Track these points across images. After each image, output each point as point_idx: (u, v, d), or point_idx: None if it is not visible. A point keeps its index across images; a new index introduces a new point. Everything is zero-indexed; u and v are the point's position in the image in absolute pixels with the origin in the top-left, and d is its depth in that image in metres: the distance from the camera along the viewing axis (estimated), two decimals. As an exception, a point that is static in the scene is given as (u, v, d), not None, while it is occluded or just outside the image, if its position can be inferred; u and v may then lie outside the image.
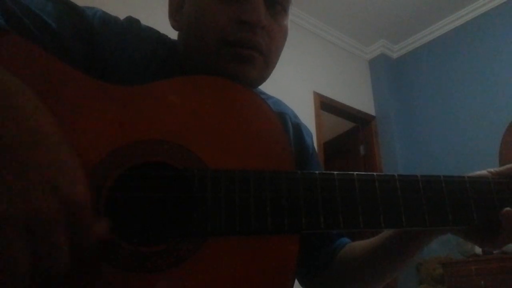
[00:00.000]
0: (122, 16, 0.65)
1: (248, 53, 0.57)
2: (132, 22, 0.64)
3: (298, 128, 0.75)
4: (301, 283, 0.72)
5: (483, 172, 0.56)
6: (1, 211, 0.31)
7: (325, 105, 3.91)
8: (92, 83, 0.50)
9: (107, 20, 0.60)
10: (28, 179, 0.33)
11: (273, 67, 0.64)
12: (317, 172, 0.50)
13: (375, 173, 0.51)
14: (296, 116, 0.77)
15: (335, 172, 0.50)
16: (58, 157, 0.35)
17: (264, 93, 0.74)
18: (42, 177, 0.33)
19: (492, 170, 0.56)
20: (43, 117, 0.37)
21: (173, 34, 0.68)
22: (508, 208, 0.52)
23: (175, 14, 0.65)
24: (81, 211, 0.35)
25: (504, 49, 3.60)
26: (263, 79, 0.63)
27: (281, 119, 0.69)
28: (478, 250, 3.00)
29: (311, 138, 0.78)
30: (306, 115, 3.47)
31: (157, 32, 0.67)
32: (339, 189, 0.49)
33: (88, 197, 0.36)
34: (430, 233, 0.58)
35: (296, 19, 3.89)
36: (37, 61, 0.49)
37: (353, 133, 4.46)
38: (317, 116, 3.75)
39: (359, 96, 4.30)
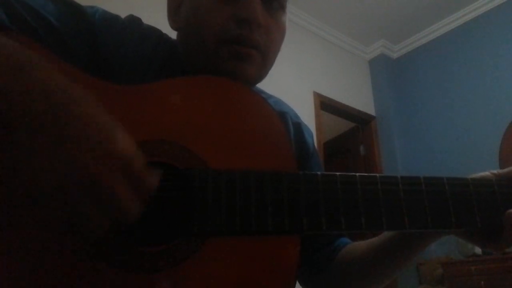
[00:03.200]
0: (123, 15, 0.65)
1: (246, 51, 0.57)
2: (133, 21, 0.64)
3: (299, 127, 0.75)
4: (301, 283, 0.71)
5: (486, 173, 0.56)
6: (60, 182, 0.34)
7: (325, 105, 3.91)
8: (93, 82, 0.50)
9: (108, 19, 0.60)
10: (73, 147, 0.35)
11: (271, 64, 0.64)
12: (319, 173, 0.49)
13: (377, 175, 0.50)
14: (296, 116, 0.77)
15: (337, 174, 0.49)
16: (94, 120, 0.37)
17: (264, 93, 0.74)
18: (84, 143, 0.35)
19: (495, 171, 0.56)
20: (70, 87, 0.38)
21: (174, 34, 0.68)
22: (511, 210, 0.52)
23: (174, 14, 0.65)
24: (131, 162, 0.37)
25: (504, 49, 3.60)
26: (261, 76, 0.63)
27: (282, 119, 0.69)
28: (478, 250, 3.00)
29: (312, 137, 0.78)
30: (306, 115, 3.47)
31: (159, 31, 0.67)
32: (341, 190, 0.48)
33: (133, 147, 0.38)
34: (431, 235, 0.58)
35: (296, 19, 3.89)
36: None
37: (353, 133, 4.45)
38: (317, 116, 3.75)
39: (359, 96, 4.30)
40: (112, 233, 0.39)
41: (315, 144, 0.80)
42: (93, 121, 0.37)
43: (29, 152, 0.34)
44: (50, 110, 0.35)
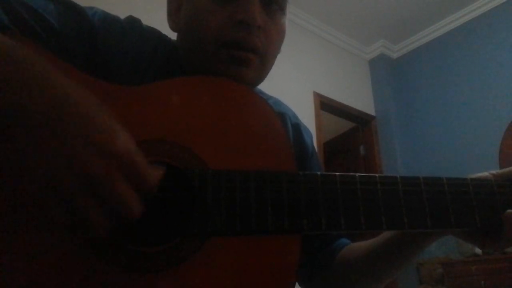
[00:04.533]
0: (122, 16, 0.65)
1: (244, 56, 0.57)
2: (133, 22, 0.64)
3: (298, 128, 0.75)
4: (300, 283, 0.71)
5: (485, 174, 0.56)
6: (57, 178, 0.34)
7: (325, 105, 3.91)
8: (93, 82, 0.50)
9: (108, 19, 0.60)
10: (72, 144, 0.35)
11: (271, 66, 0.64)
12: (318, 173, 0.49)
13: (377, 175, 0.50)
14: (296, 117, 0.77)
15: (337, 174, 0.49)
16: (92, 117, 0.37)
17: (264, 93, 0.74)
18: (84, 141, 0.35)
19: (494, 172, 0.56)
20: (69, 85, 0.38)
21: (173, 35, 0.68)
22: (510, 211, 0.52)
23: (173, 16, 0.65)
24: (130, 159, 0.37)
25: (504, 49, 3.60)
26: (260, 79, 0.63)
27: (281, 120, 0.69)
28: (478, 250, 3.00)
29: (311, 138, 0.78)
30: (306, 115, 3.47)
31: (158, 32, 0.67)
32: (341, 190, 0.48)
33: (132, 145, 0.38)
34: (431, 235, 0.58)
35: (296, 19, 3.89)
36: None
37: (353, 133, 4.45)
38: (317, 116, 3.75)
39: (359, 96, 4.30)
40: (113, 232, 0.39)
41: (315, 144, 0.80)
42: (93, 119, 0.37)
43: (26, 149, 0.34)
44: (50, 107, 0.35)
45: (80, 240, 0.42)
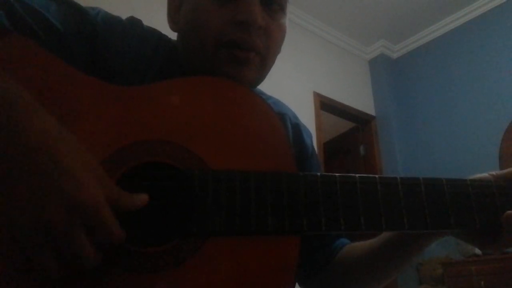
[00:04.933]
0: (123, 16, 0.65)
1: (245, 55, 0.57)
2: (134, 23, 0.64)
3: (298, 128, 0.75)
4: (299, 283, 0.71)
5: (485, 175, 0.56)
6: (18, 223, 0.33)
7: (325, 105, 3.91)
8: (94, 83, 0.50)
9: (109, 20, 0.60)
10: (33, 188, 0.34)
11: (271, 66, 0.64)
12: (318, 173, 0.50)
13: (377, 176, 0.50)
14: (295, 117, 0.77)
15: (337, 174, 0.49)
16: (61, 163, 0.36)
17: (263, 94, 0.74)
18: (47, 185, 0.35)
19: (493, 173, 0.56)
20: (42, 121, 0.37)
21: (174, 35, 0.68)
22: (509, 212, 0.52)
23: (174, 16, 0.65)
24: (94, 213, 0.36)
25: (504, 49, 3.60)
26: (260, 79, 0.63)
27: (281, 120, 0.69)
28: (478, 250, 3.00)
29: (311, 138, 0.78)
30: (306, 115, 3.47)
31: (159, 33, 0.67)
32: (341, 191, 0.49)
33: (99, 197, 0.37)
34: (430, 236, 0.58)
35: (296, 19, 3.89)
36: (39, 62, 0.49)
37: (353, 133, 4.45)
38: (317, 116, 3.75)
39: (359, 96, 4.30)
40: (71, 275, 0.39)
41: (315, 144, 0.80)
42: (64, 169, 0.36)
43: None
44: (21, 155, 0.35)
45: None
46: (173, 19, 0.65)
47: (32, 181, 0.35)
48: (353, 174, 0.50)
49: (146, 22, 0.66)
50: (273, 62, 0.64)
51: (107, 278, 0.42)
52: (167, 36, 0.68)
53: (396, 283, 3.50)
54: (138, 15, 0.66)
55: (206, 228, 0.45)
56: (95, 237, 0.37)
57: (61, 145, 0.37)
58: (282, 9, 0.62)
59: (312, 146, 0.77)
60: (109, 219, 0.38)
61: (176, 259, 0.43)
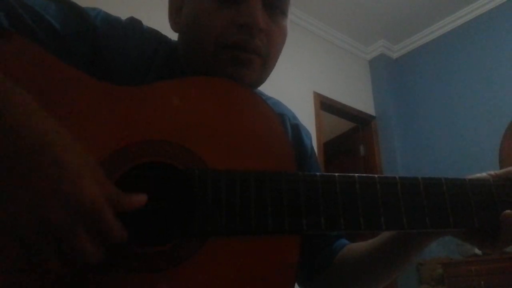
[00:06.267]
0: (123, 16, 0.65)
1: (246, 57, 0.57)
2: (134, 23, 0.64)
3: (297, 129, 0.75)
4: (299, 283, 0.71)
5: (484, 174, 0.56)
6: (18, 223, 0.33)
7: (325, 105, 3.91)
8: (94, 83, 0.50)
9: (109, 21, 0.60)
10: (34, 189, 0.34)
11: (272, 69, 0.64)
12: (318, 173, 0.50)
13: (376, 175, 0.51)
14: (295, 117, 0.77)
15: (336, 174, 0.50)
16: (62, 162, 0.36)
17: (263, 94, 0.74)
18: (47, 186, 0.35)
19: (492, 172, 0.56)
20: (41, 122, 0.37)
21: (174, 35, 0.68)
22: (508, 211, 0.52)
23: (175, 16, 0.65)
24: (95, 213, 0.37)
25: (504, 49, 3.59)
26: (261, 81, 0.63)
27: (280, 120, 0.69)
28: (478, 250, 3.00)
29: (310, 139, 0.78)
30: (306, 115, 3.47)
31: (159, 33, 0.67)
32: (340, 190, 0.49)
33: (100, 197, 0.37)
34: (430, 236, 0.58)
35: (296, 19, 3.89)
36: (39, 62, 0.49)
37: (353, 133, 4.45)
38: (317, 116, 3.75)
39: (359, 96, 4.30)
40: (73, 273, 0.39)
41: (315, 145, 0.80)
42: (65, 168, 0.36)
43: None
44: (24, 155, 0.35)
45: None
46: (174, 19, 0.65)
47: (32, 181, 0.35)
48: (353, 174, 0.50)
49: (146, 22, 0.66)
50: (274, 64, 0.64)
51: (107, 277, 0.42)
52: (167, 37, 0.68)
53: (396, 283, 3.50)
54: (138, 15, 0.66)
55: (206, 228, 0.45)
56: (97, 237, 0.37)
57: (60, 146, 0.37)
58: (283, 12, 0.62)
59: (312, 147, 0.77)
60: (110, 218, 0.38)
61: (176, 259, 0.43)
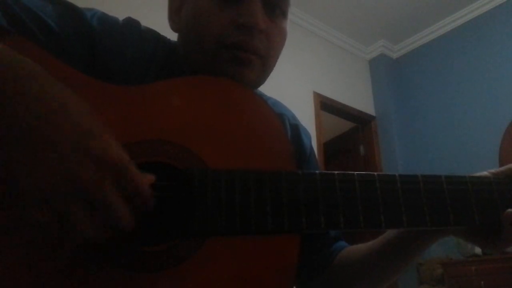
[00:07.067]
0: (121, 17, 0.65)
1: (246, 56, 0.57)
2: (131, 23, 0.64)
3: (297, 129, 0.75)
4: (298, 284, 0.71)
5: (484, 173, 0.56)
6: (47, 186, 0.33)
7: (325, 105, 3.91)
8: (93, 83, 0.50)
9: (106, 21, 0.60)
10: (60, 151, 0.34)
11: (271, 69, 0.64)
12: (317, 172, 0.50)
13: (375, 173, 0.51)
14: (294, 118, 0.77)
15: (336, 172, 0.49)
16: (80, 124, 0.36)
17: (263, 94, 0.74)
18: (73, 147, 0.35)
19: (492, 170, 0.56)
20: (60, 89, 0.38)
21: (173, 35, 0.68)
22: (510, 210, 0.52)
23: (174, 16, 0.65)
24: (122, 169, 0.37)
25: (504, 49, 3.60)
26: (261, 81, 0.63)
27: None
28: (478, 250, 3.01)
29: (310, 139, 0.78)
30: (306, 115, 3.47)
31: (157, 33, 0.67)
32: (340, 189, 0.48)
33: (123, 155, 0.38)
34: (430, 236, 0.58)
35: (296, 19, 3.89)
36: (38, 62, 0.49)
37: (353, 133, 4.46)
38: (317, 116, 3.75)
39: (359, 96, 4.30)
40: (109, 240, 0.38)
41: (315, 145, 0.80)
42: (88, 127, 0.36)
43: (16, 156, 0.33)
44: (44, 117, 0.35)
45: (75, 248, 0.41)
46: (174, 19, 0.65)
47: (56, 141, 0.34)
48: (352, 172, 0.50)
49: (145, 22, 0.66)
50: (273, 65, 0.64)
51: (107, 277, 0.42)
52: (165, 37, 0.68)
53: (396, 283, 3.50)
54: (137, 15, 0.66)
55: (206, 228, 0.45)
56: (125, 195, 0.37)
57: (81, 108, 0.38)
58: (283, 13, 0.62)
59: (311, 147, 0.77)
60: (139, 177, 0.38)
61: (176, 258, 0.43)
